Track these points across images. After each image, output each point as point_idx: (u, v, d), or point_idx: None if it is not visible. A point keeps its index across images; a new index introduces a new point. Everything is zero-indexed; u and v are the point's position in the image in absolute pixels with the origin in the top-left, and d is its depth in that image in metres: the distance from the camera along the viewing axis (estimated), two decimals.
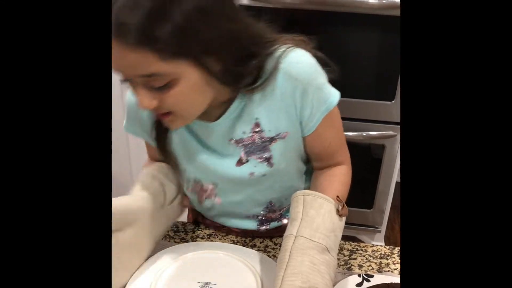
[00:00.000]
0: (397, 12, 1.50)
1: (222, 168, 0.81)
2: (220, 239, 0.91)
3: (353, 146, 1.73)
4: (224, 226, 0.93)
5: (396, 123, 1.70)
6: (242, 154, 0.79)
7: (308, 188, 0.89)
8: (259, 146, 0.78)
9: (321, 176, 0.85)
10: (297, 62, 0.73)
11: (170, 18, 0.58)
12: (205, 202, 0.88)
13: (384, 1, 1.50)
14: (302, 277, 0.66)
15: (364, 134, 1.70)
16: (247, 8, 1.56)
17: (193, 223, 0.96)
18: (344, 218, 0.77)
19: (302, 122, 0.78)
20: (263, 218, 0.90)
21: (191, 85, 0.65)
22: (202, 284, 0.75)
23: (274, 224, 0.91)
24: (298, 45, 0.75)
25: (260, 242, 0.90)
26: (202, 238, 0.91)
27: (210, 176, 0.83)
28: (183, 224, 0.95)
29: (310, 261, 0.67)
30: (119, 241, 0.73)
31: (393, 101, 1.65)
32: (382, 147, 1.74)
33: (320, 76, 0.75)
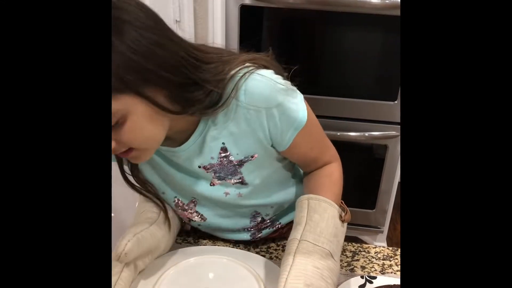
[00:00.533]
0: (399, 12, 1.50)
1: (197, 188, 0.80)
2: (222, 240, 0.90)
3: (356, 147, 1.76)
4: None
5: (399, 123, 1.70)
6: (212, 177, 0.78)
7: (299, 192, 0.88)
8: (229, 170, 0.77)
9: (312, 178, 0.83)
10: (256, 89, 0.69)
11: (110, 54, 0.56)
12: (192, 222, 0.88)
13: (386, 1, 1.49)
14: (305, 279, 0.65)
15: (367, 135, 1.69)
16: (249, 8, 1.56)
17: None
18: (345, 224, 0.76)
19: (274, 142, 0.75)
20: (253, 228, 0.89)
21: (141, 118, 0.63)
22: None
23: (266, 232, 0.90)
24: (257, 64, 0.71)
25: (263, 244, 0.90)
26: (204, 239, 0.91)
27: (189, 194, 0.83)
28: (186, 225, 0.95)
29: (313, 265, 0.67)
30: (138, 267, 0.77)
31: (395, 101, 1.64)
32: (385, 147, 1.73)
33: (281, 96, 0.70)
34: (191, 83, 0.66)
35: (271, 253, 0.87)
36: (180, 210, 0.85)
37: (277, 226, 0.91)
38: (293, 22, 1.60)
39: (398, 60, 1.58)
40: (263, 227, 0.89)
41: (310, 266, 0.67)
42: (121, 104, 0.60)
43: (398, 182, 1.85)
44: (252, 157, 0.76)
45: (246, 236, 0.89)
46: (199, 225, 0.88)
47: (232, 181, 0.79)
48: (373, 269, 0.84)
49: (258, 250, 0.88)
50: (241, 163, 0.76)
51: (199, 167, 0.77)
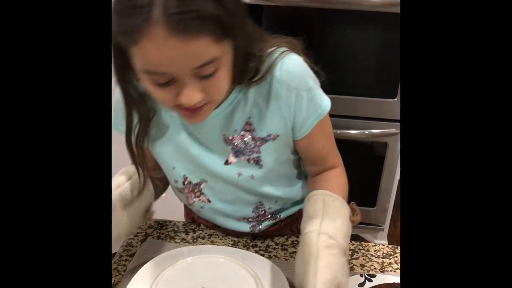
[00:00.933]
0: (398, 9, 1.49)
1: (211, 164, 0.80)
2: (220, 239, 0.90)
3: (356, 144, 1.76)
4: (219, 226, 0.92)
5: (399, 121, 1.69)
6: (231, 154, 0.79)
7: (304, 191, 0.89)
8: (248, 147, 0.78)
9: (317, 181, 0.84)
10: (291, 67, 0.73)
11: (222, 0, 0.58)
12: (195, 203, 0.87)
13: None
14: (332, 272, 0.64)
15: (367, 132, 1.69)
16: (249, 6, 1.55)
17: (192, 223, 0.96)
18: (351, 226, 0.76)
19: (295, 127, 0.77)
20: (253, 220, 0.89)
21: (227, 68, 0.65)
22: None
23: (266, 224, 0.90)
24: (291, 48, 0.74)
25: (261, 242, 0.89)
26: (202, 239, 0.90)
27: (200, 172, 0.82)
28: (184, 224, 0.95)
29: (337, 260, 0.66)
30: None
31: (395, 99, 1.64)
32: (385, 145, 1.73)
33: (312, 81, 0.75)
34: (250, 53, 0.69)
35: (270, 252, 0.87)
36: (186, 190, 0.85)
37: (277, 219, 0.91)
38: (292, 20, 1.60)
39: (397, 57, 1.58)
40: (263, 219, 0.89)
41: (334, 259, 0.66)
42: (221, 50, 0.61)
43: (399, 179, 1.85)
44: (274, 137, 0.77)
45: (246, 227, 0.89)
46: (201, 207, 0.87)
47: (249, 159, 0.79)
48: (372, 267, 0.84)
49: (257, 249, 0.88)
50: (262, 141, 0.77)
51: (221, 136, 0.77)
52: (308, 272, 0.65)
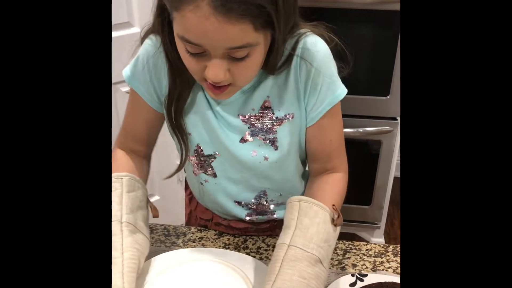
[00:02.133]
0: (390, 7, 1.49)
1: (227, 139, 0.80)
2: (211, 242, 0.90)
3: (350, 143, 1.72)
4: (213, 216, 0.92)
5: (392, 118, 1.69)
6: (247, 132, 0.79)
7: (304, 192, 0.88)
8: (265, 127, 0.78)
9: (316, 182, 0.83)
10: (314, 48, 0.74)
11: None
12: (200, 174, 0.87)
13: None
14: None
15: (361, 130, 1.69)
16: None
17: (186, 224, 0.96)
18: (338, 228, 0.75)
19: (307, 108, 0.78)
20: (252, 208, 0.89)
21: (260, 56, 0.66)
22: None
23: (261, 218, 0.90)
24: (315, 31, 0.76)
25: (253, 244, 0.89)
26: (193, 242, 0.90)
27: (214, 145, 0.82)
28: (174, 228, 0.94)
29: (300, 275, 0.66)
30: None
31: (388, 96, 1.64)
32: (379, 142, 1.73)
33: (332, 66, 0.76)
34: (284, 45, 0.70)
35: (261, 253, 0.87)
36: (195, 159, 0.84)
37: (272, 216, 0.91)
38: None
39: (390, 54, 1.58)
40: (261, 210, 0.90)
41: (296, 277, 0.66)
42: (258, 38, 0.63)
43: (394, 177, 1.85)
44: (290, 117, 0.78)
45: (243, 213, 0.89)
46: (205, 180, 0.87)
47: (265, 138, 0.79)
48: (364, 267, 0.83)
49: (248, 251, 0.87)
50: (280, 121, 0.78)
51: (239, 115, 0.78)
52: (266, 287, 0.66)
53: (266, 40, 0.65)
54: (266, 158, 0.81)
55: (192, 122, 0.81)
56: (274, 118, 0.78)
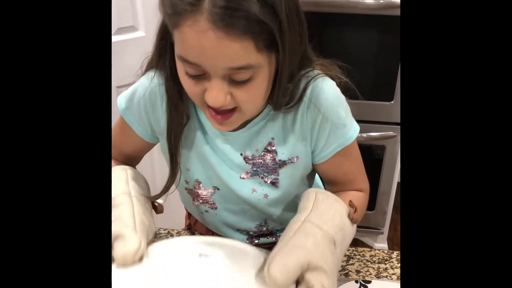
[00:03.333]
0: (394, 12, 1.49)
1: (226, 176, 0.78)
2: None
3: None
4: (213, 234, 0.91)
5: (396, 124, 1.69)
6: (248, 171, 0.77)
7: None
8: (268, 167, 0.76)
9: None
10: (323, 92, 0.70)
11: (277, 10, 0.56)
12: (200, 206, 0.86)
13: (381, 1, 1.49)
14: (305, 253, 0.61)
15: (365, 135, 1.68)
16: None
17: (187, 229, 0.95)
18: (355, 226, 0.73)
19: (314, 151, 0.76)
20: (254, 233, 0.88)
21: (265, 80, 0.62)
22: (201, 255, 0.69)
23: (264, 240, 0.90)
24: (326, 70, 0.72)
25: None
26: None
27: (214, 181, 0.80)
28: (178, 232, 0.94)
29: (314, 242, 0.63)
30: None
31: (392, 101, 1.63)
32: (383, 148, 1.72)
33: (342, 110, 0.72)
34: (294, 75, 0.67)
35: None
36: (194, 192, 0.83)
37: (275, 238, 0.90)
38: None
39: (394, 60, 1.57)
40: (262, 234, 0.89)
41: (309, 242, 0.62)
42: (262, 60, 0.59)
43: (397, 182, 1.84)
44: (294, 160, 0.76)
45: (243, 238, 0.89)
46: (206, 211, 0.86)
47: (267, 180, 0.77)
48: (368, 273, 0.83)
49: None
50: (283, 163, 0.76)
51: (241, 154, 0.76)
52: (273, 251, 0.62)
53: (271, 64, 0.62)
54: (266, 196, 0.80)
55: (190, 158, 0.79)
56: (277, 160, 0.76)
